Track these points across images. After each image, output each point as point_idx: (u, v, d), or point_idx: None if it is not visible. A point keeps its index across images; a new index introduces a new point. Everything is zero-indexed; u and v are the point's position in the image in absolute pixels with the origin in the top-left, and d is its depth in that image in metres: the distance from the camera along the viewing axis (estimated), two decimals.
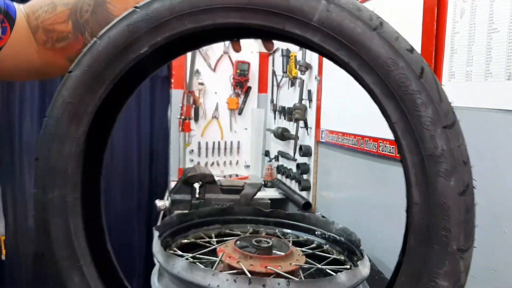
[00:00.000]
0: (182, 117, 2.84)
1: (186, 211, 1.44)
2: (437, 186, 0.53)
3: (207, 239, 1.34)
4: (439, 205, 0.54)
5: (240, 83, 3.02)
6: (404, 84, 0.54)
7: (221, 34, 0.72)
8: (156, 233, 1.20)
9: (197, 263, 1.01)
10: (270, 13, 0.57)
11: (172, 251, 1.06)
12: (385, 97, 0.55)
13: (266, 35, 0.69)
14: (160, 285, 1.10)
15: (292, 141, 2.36)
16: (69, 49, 0.73)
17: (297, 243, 1.32)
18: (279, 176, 2.71)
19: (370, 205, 1.59)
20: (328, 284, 0.98)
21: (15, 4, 0.73)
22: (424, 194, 0.54)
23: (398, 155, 0.65)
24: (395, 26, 1.13)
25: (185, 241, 1.35)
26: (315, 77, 2.09)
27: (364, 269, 1.07)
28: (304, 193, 2.23)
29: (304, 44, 0.60)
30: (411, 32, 1.22)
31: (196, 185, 1.96)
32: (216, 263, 1.07)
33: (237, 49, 0.81)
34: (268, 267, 1.14)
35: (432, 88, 0.53)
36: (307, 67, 2.18)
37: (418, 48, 1.18)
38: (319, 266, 1.14)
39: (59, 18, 0.73)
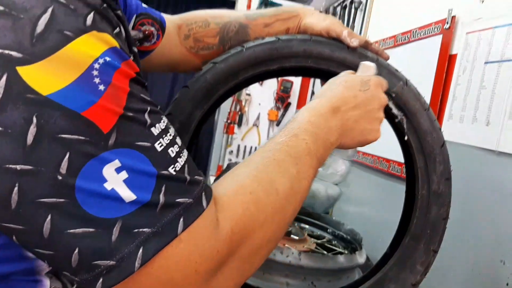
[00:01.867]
0: (228, 121, 3.13)
1: None
2: (431, 212, 0.81)
3: None
4: (431, 223, 0.81)
5: (282, 98, 3.28)
6: (432, 148, 0.81)
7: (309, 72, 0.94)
8: None
9: None
10: None
11: None
12: (417, 152, 0.82)
13: None
14: None
15: None
16: (209, 56, 0.86)
17: (311, 236, 1.58)
18: None
19: (378, 216, 1.82)
20: (330, 260, 1.24)
21: (166, 16, 0.86)
22: (423, 215, 0.81)
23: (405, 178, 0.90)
24: (414, 74, 1.42)
25: None
26: None
27: (359, 258, 1.32)
28: None
29: None
30: (426, 79, 1.46)
31: None
32: None
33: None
34: (286, 245, 1.42)
35: (446, 156, 0.82)
36: None
37: (429, 92, 1.42)
38: (325, 253, 1.39)
39: (210, 33, 0.87)
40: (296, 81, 3.28)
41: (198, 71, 0.85)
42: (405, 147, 0.86)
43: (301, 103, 3.35)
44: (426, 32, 1.51)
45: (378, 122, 0.69)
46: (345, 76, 0.70)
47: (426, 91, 1.42)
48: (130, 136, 0.39)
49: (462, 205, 1.21)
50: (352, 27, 2.41)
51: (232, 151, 3.26)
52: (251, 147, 3.30)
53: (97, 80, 0.36)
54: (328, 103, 0.64)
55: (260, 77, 0.91)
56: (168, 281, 0.41)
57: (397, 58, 1.76)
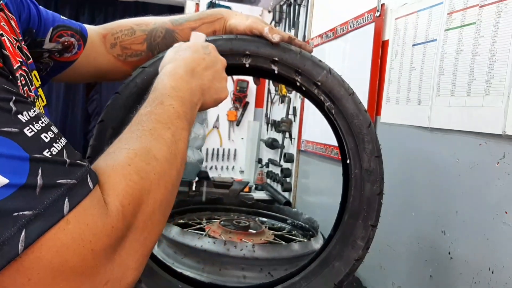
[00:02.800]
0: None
1: (184, 199, 1.71)
2: (365, 189, 0.83)
3: (199, 221, 1.61)
4: (366, 200, 0.83)
5: (239, 98, 3.29)
6: (360, 129, 0.83)
7: (256, 72, 0.96)
8: None
9: (188, 230, 1.28)
10: (292, 69, 0.86)
11: None
12: (347, 134, 0.84)
13: (283, 81, 0.94)
14: (159, 249, 1.37)
15: (279, 150, 2.63)
16: (138, 63, 0.87)
17: (272, 229, 1.59)
18: (268, 181, 2.97)
19: (335, 203, 1.86)
20: (284, 249, 1.26)
21: (87, 26, 0.86)
22: (358, 193, 0.84)
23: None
24: (354, 62, 1.45)
25: (181, 221, 1.62)
26: (299, 96, 2.37)
27: (315, 243, 1.34)
28: (286, 194, 2.49)
29: (301, 90, 0.89)
30: (364, 66, 1.50)
31: (193, 180, 2.23)
32: (203, 235, 1.34)
33: (258, 83, 1.08)
34: (243, 239, 1.43)
35: (374, 136, 0.85)
36: None
37: (367, 78, 1.46)
38: (283, 243, 1.40)
39: (136, 40, 0.88)
40: (252, 81, 3.29)
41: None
42: (336, 131, 0.88)
43: (259, 101, 3.37)
44: (361, 22, 1.56)
45: (225, 81, 0.74)
46: (185, 43, 0.74)
47: (364, 78, 1.47)
48: None
49: (402, 181, 1.25)
50: (298, 23, 2.45)
51: None
52: (213, 149, 3.29)
53: None
54: (184, 66, 0.67)
55: None
56: (63, 264, 0.40)
57: (337, 49, 1.80)
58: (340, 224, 0.88)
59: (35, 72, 0.63)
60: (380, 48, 1.40)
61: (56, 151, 0.42)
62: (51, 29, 0.75)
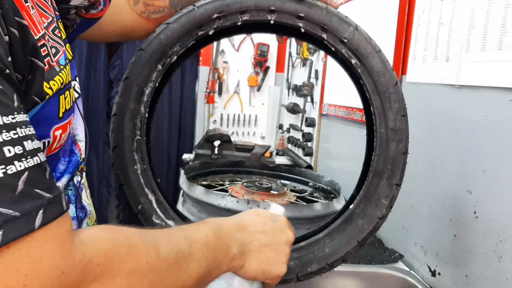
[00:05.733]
0: (208, 90, 3.11)
1: (206, 161, 1.73)
2: (390, 148, 0.82)
3: (221, 183, 1.63)
4: (391, 159, 0.83)
5: (260, 62, 3.25)
6: (386, 88, 0.81)
7: (280, 30, 0.92)
8: (182, 172, 1.49)
9: (212, 191, 1.30)
10: (318, 26, 0.83)
11: None
12: (373, 92, 0.83)
13: (307, 38, 0.90)
14: (184, 208, 1.40)
15: (301, 114, 2.62)
16: (161, 20, 0.86)
17: (294, 191, 1.60)
18: (289, 146, 2.98)
19: (357, 167, 1.85)
20: (306, 209, 1.27)
21: None
22: (383, 152, 0.83)
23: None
24: (379, 21, 1.41)
25: (204, 182, 1.64)
26: (322, 59, 2.33)
27: (337, 204, 1.34)
28: (307, 158, 2.49)
29: (326, 47, 0.86)
30: (390, 25, 1.45)
31: (216, 143, 2.25)
32: (227, 195, 1.36)
33: (281, 41, 1.03)
34: (265, 200, 1.44)
35: (400, 94, 0.83)
36: (315, 49, 2.41)
37: (393, 37, 1.42)
38: (305, 204, 1.41)
39: None
40: (273, 44, 3.24)
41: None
42: (361, 89, 0.87)
43: (279, 65, 3.33)
44: None
45: (284, 256, 0.67)
46: (256, 210, 0.72)
47: (390, 37, 1.42)
48: None
49: (428, 141, 1.23)
50: None
51: (215, 121, 3.25)
52: (234, 115, 3.29)
53: None
54: (236, 221, 0.66)
55: (216, 36, 0.91)
56: None
57: (363, 7, 1.74)
58: (363, 184, 0.87)
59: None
60: (407, 5, 1.35)
61: (14, 171, 0.36)
62: None
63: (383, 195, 0.85)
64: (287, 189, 1.56)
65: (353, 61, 0.85)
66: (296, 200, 1.43)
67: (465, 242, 1.08)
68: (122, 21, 0.88)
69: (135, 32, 0.91)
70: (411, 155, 0.84)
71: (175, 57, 0.86)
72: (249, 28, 0.92)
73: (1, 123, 0.36)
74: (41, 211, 0.38)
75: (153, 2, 0.88)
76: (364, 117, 0.93)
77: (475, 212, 1.04)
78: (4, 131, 0.36)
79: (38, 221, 0.37)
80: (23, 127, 0.38)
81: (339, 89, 1.99)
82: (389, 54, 1.41)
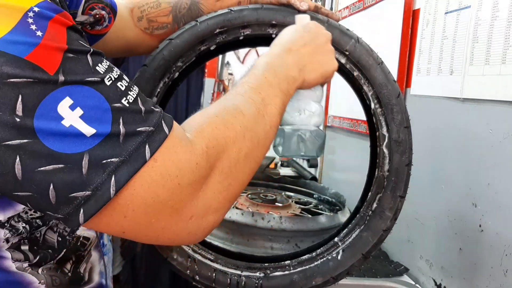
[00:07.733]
0: (213, 102, 3.14)
1: None
2: (394, 160, 0.82)
3: None
4: (394, 170, 0.83)
5: None
6: (389, 99, 0.82)
7: (266, 41, 0.94)
8: None
9: None
10: None
11: None
12: (377, 105, 0.83)
13: None
14: None
15: None
16: (165, 35, 0.87)
17: (298, 203, 1.60)
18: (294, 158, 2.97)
19: (361, 179, 1.85)
20: (311, 221, 1.27)
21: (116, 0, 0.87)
22: (389, 163, 0.83)
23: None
24: (383, 33, 1.42)
25: None
26: None
27: (342, 217, 1.34)
28: (312, 170, 2.49)
29: None
30: (393, 38, 1.46)
31: None
32: (232, 207, 1.36)
33: None
34: (270, 212, 1.45)
35: (403, 106, 0.84)
36: None
37: (397, 50, 1.43)
38: (310, 216, 1.41)
39: (162, 13, 0.89)
40: None
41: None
42: (364, 101, 0.87)
43: None
44: None
45: (330, 52, 0.74)
46: (287, 27, 0.76)
47: (394, 50, 1.43)
48: (77, 74, 0.41)
49: (432, 154, 1.23)
50: None
51: None
52: None
53: (33, 27, 0.39)
54: (279, 47, 0.70)
55: (218, 50, 0.92)
56: (154, 198, 0.44)
57: (366, 20, 1.76)
58: (367, 196, 0.88)
59: None
60: (411, 18, 1.36)
61: (132, 98, 0.45)
62: (83, 1, 0.77)
63: (387, 207, 0.85)
64: (292, 201, 1.56)
65: (355, 73, 0.86)
66: (301, 213, 1.43)
67: (470, 255, 1.07)
68: (126, 37, 0.89)
69: (139, 47, 0.93)
70: (415, 168, 0.85)
71: (177, 73, 0.87)
72: (251, 42, 0.93)
73: (105, 67, 0.44)
74: (163, 121, 0.46)
75: (157, 19, 0.90)
76: (368, 129, 0.93)
77: (480, 226, 1.04)
78: (110, 72, 0.44)
79: (166, 129, 0.46)
80: (114, 67, 0.46)
81: (344, 101, 2.00)
82: (393, 67, 1.41)
